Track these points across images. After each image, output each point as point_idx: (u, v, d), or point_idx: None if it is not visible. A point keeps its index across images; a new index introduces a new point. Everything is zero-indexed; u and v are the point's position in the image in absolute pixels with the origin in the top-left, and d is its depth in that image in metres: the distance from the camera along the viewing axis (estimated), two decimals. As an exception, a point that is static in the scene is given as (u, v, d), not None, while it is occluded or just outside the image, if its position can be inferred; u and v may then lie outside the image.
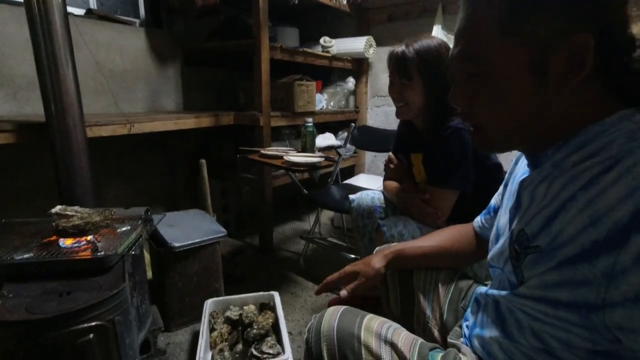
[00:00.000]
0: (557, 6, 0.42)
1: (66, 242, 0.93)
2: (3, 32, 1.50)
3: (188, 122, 1.74)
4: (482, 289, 0.63)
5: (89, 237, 0.95)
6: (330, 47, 2.33)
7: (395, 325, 0.66)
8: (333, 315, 0.66)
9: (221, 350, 1.14)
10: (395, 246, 0.87)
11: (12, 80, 1.54)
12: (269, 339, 1.15)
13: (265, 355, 1.09)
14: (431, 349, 0.61)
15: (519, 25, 0.43)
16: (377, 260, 0.84)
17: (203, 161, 1.68)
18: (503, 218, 0.61)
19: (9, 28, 1.51)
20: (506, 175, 0.70)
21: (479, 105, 0.49)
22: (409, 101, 1.08)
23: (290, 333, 1.37)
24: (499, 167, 1.11)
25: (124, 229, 1.04)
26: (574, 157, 0.45)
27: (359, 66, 2.61)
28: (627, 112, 0.44)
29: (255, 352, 1.10)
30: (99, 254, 0.89)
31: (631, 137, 0.42)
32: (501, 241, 0.58)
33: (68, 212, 0.95)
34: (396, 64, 1.08)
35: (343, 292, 0.80)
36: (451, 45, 0.53)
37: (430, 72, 1.04)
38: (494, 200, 0.76)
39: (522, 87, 0.45)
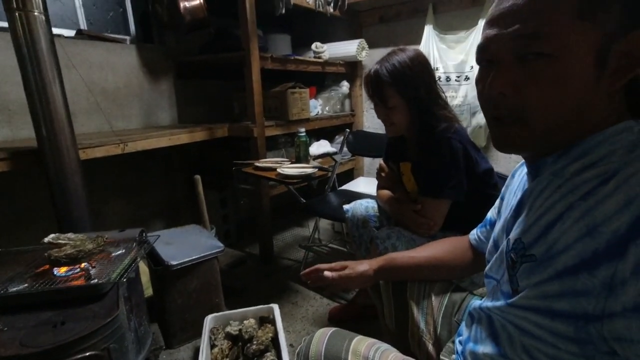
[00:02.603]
0: None
1: (60, 271, 0.94)
2: (-6, 58, 1.52)
3: (182, 137, 1.75)
4: (476, 302, 0.62)
5: (83, 264, 0.96)
6: (322, 52, 2.32)
7: (384, 346, 0.65)
8: (321, 339, 0.66)
9: (222, 367, 1.14)
10: (388, 254, 0.88)
11: (6, 106, 1.56)
12: (268, 354, 1.15)
13: (264, 372, 1.09)
14: (420, 370, 0.60)
15: (595, 8, 0.41)
16: (369, 262, 0.86)
17: (198, 177, 1.68)
18: (500, 229, 0.60)
19: (0, 54, 1.52)
20: (503, 189, 0.69)
21: (534, 90, 0.44)
22: (395, 121, 1.08)
23: (291, 345, 1.37)
24: (490, 172, 1.10)
25: (118, 252, 1.04)
26: (574, 166, 0.45)
27: (352, 70, 2.60)
28: (630, 123, 0.44)
29: (255, 369, 1.10)
30: (92, 281, 0.90)
31: (631, 149, 0.42)
32: (498, 251, 0.57)
33: (61, 241, 0.96)
34: (373, 90, 1.09)
35: (327, 273, 0.82)
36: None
37: (409, 91, 1.03)
38: (490, 214, 0.76)
39: (585, 74, 0.42)
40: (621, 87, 0.44)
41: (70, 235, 1.00)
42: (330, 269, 0.84)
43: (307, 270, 0.85)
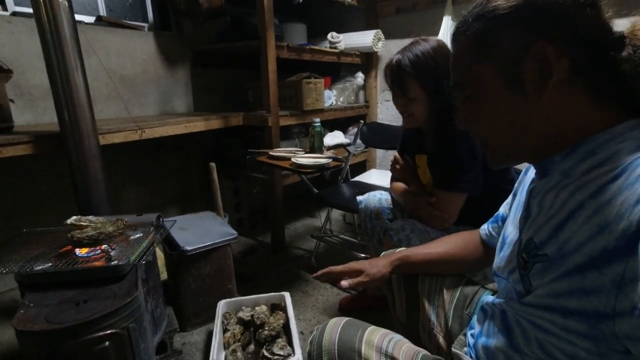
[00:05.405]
0: (515, 23, 0.46)
1: (82, 251, 0.97)
2: (19, 44, 1.55)
3: (198, 125, 1.77)
4: (489, 298, 0.62)
5: (104, 246, 0.99)
6: (338, 42, 2.31)
7: (397, 337, 0.66)
8: (334, 329, 0.66)
9: (234, 350, 1.17)
10: (402, 252, 0.87)
11: (29, 91, 1.60)
12: (279, 340, 1.17)
13: (275, 357, 1.11)
14: (432, 361, 0.61)
15: (487, 48, 0.48)
16: (383, 264, 0.85)
17: (213, 165, 1.70)
18: (510, 227, 0.60)
19: (24, 40, 1.56)
20: (515, 185, 0.69)
21: (476, 125, 0.54)
22: (414, 113, 1.07)
23: (301, 333, 1.40)
24: (507, 167, 1.08)
25: (136, 236, 1.07)
26: (583, 166, 0.45)
27: (367, 60, 2.58)
28: (636, 121, 0.44)
29: (266, 354, 1.13)
30: (112, 263, 0.93)
31: (638, 146, 0.42)
32: (508, 250, 0.58)
33: (82, 223, 0.99)
34: (394, 80, 1.07)
35: (344, 283, 0.82)
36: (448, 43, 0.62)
37: (431, 82, 1.02)
38: (502, 209, 0.75)
39: (506, 102, 0.49)
40: (615, 89, 0.45)
41: (91, 217, 1.03)
42: (341, 273, 0.83)
43: (320, 273, 0.85)
